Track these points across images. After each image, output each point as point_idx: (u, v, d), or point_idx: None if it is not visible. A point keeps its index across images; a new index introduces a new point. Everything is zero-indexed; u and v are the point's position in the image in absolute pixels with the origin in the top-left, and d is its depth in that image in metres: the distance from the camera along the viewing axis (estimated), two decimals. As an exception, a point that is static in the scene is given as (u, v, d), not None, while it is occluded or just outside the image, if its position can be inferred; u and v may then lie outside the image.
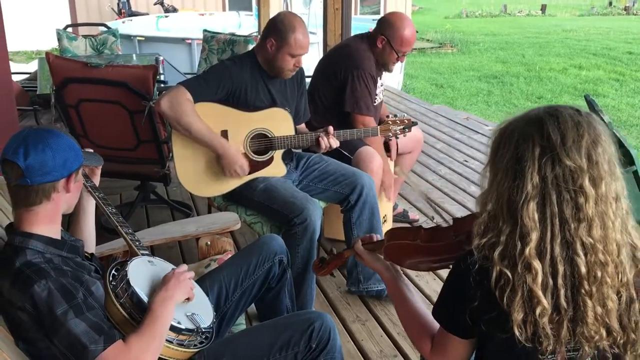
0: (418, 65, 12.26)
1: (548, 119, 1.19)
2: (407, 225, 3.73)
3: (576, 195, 1.15)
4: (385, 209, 3.44)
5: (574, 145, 1.15)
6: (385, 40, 3.13)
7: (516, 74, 11.30)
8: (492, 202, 1.23)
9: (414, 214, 3.85)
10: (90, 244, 1.92)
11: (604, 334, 1.18)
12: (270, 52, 2.64)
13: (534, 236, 1.16)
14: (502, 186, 1.21)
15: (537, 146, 1.17)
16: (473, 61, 12.67)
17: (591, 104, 2.76)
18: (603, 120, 3.37)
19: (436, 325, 1.38)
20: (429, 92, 9.98)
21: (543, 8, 21.95)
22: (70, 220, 1.92)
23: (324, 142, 2.71)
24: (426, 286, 3.04)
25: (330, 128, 2.74)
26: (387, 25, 3.15)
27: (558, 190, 1.16)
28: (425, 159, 4.96)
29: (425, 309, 1.48)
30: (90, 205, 1.92)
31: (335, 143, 2.74)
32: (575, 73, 11.38)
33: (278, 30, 2.61)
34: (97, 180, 1.95)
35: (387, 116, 2.89)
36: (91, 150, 1.97)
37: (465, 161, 5.01)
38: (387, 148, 3.35)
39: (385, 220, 3.46)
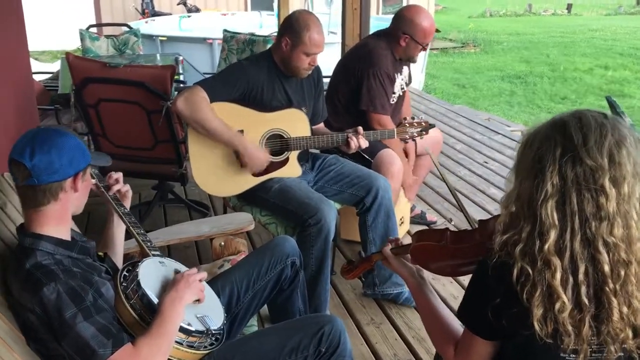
0: (440, 65, 12.16)
1: (571, 121, 1.20)
2: (425, 227, 3.69)
3: (597, 194, 1.16)
4: (403, 211, 3.42)
5: (595, 145, 1.16)
6: (408, 38, 3.12)
7: (540, 74, 11.15)
8: (514, 201, 1.25)
9: (431, 216, 3.81)
10: (119, 259, 1.92)
11: (630, 334, 1.19)
12: (285, 50, 2.63)
13: (553, 234, 1.17)
14: (524, 185, 1.23)
15: (558, 146, 1.19)
16: (496, 61, 12.53)
17: (612, 106, 2.71)
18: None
19: (460, 331, 1.39)
20: (450, 93, 9.90)
21: (569, 7, 21.61)
22: (89, 230, 1.92)
23: (354, 142, 2.68)
24: (442, 289, 3.00)
25: (360, 128, 2.71)
26: (406, 21, 3.13)
27: (578, 189, 1.17)
28: (445, 160, 4.91)
29: (450, 315, 1.49)
30: (121, 226, 1.92)
31: (364, 143, 2.72)
32: (601, 73, 11.20)
33: (293, 29, 2.60)
34: (128, 203, 1.93)
35: (405, 118, 2.86)
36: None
37: (485, 162, 4.95)
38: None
39: (402, 222, 3.43)
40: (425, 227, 3.65)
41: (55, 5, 11.66)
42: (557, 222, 1.17)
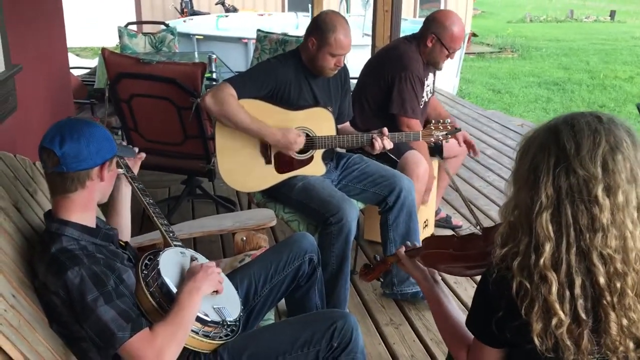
0: (476, 70, 12.04)
1: (564, 128, 1.18)
2: (450, 231, 3.68)
3: (590, 205, 1.13)
4: (427, 214, 3.41)
5: (588, 154, 1.14)
6: (435, 38, 3.11)
7: (579, 81, 10.94)
8: (511, 211, 1.24)
9: (457, 220, 3.79)
10: (125, 233, 1.98)
11: (631, 346, 1.16)
12: (312, 50, 2.66)
13: (548, 247, 1.15)
14: (521, 196, 1.21)
15: (552, 156, 1.16)
16: (534, 67, 12.35)
17: (643, 113, 2.64)
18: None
19: (471, 335, 1.39)
20: (485, 98, 9.79)
21: (612, 14, 21.14)
22: (107, 208, 1.99)
23: (378, 144, 2.69)
24: (464, 293, 2.99)
25: (385, 129, 2.72)
26: (436, 23, 3.13)
27: (572, 200, 1.14)
28: (474, 164, 4.88)
29: (462, 318, 1.49)
30: (126, 196, 1.98)
31: (389, 145, 2.72)
32: (642, 82, 10.95)
33: (319, 29, 2.62)
34: (136, 169, 2.01)
35: (431, 121, 2.86)
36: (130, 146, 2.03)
37: (516, 168, 4.88)
38: (436, 150, 3.33)
39: (426, 225, 3.42)
40: (451, 232, 3.64)
41: (97, 3, 11.95)
42: (552, 235, 1.15)
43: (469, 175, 4.66)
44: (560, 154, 1.16)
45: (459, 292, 3.01)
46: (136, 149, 2.04)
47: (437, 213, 3.68)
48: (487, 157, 5.14)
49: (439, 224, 3.71)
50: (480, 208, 4.09)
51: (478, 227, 3.77)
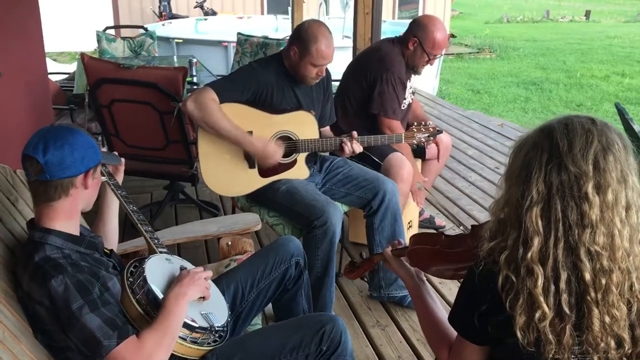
0: (455, 71, 12.13)
1: (558, 127, 1.20)
2: (434, 231, 3.70)
3: (580, 201, 1.15)
4: (411, 215, 3.43)
5: (580, 152, 1.16)
6: (417, 42, 3.12)
7: (556, 80, 11.08)
8: (502, 208, 1.25)
9: (440, 220, 3.82)
10: (112, 241, 1.96)
11: (613, 344, 1.18)
12: (294, 59, 2.66)
13: (536, 241, 1.17)
14: (511, 191, 1.23)
15: (544, 153, 1.19)
16: (512, 67, 12.48)
17: (621, 112, 2.70)
18: (633, 128, 3.30)
19: (454, 334, 1.39)
20: (464, 98, 9.87)
21: (587, 14, 21.44)
22: (95, 217, 1.97)
23: (348, 148, 2.71)
24: (448, 293, 3.01)
25: (354, 133, 2.73)
26: (420, 27, 3.14)
27: (562, 196, 1.16)
28: (456, 165, 4.91)
29: (445, 317, 1.50)
30: (114, 204, 1.96)
31: (358, 148, 2.73)
32: (617, 80, 11.10)
33: (301, 39, 2.62)
34: (120, 178, 2.00)
35: (413, 123, 2.88)
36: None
37: (497, 168, 4.94)
38: (418, 152, 3.35)
39: (410, 226, 3.44)
40: (433, 232, 3.66)
41: (74, 7, 11.82)
42: (541, 230, 1.17)
43: (451, 175, 4.70)
44: (553, 150, 1.18)
45: (444, 291, 3.03)
46: (115, 153, 2.02)
47: (420, 214, 3.70)
48: (469, 158, 5.18)
49: (423, 224, 3.73)
50: (462, 208, 4.12)
51: (461, 227, 3.80)
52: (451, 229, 3.76)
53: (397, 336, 2.70)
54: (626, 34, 16.89)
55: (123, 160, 2.01)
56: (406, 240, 2.89)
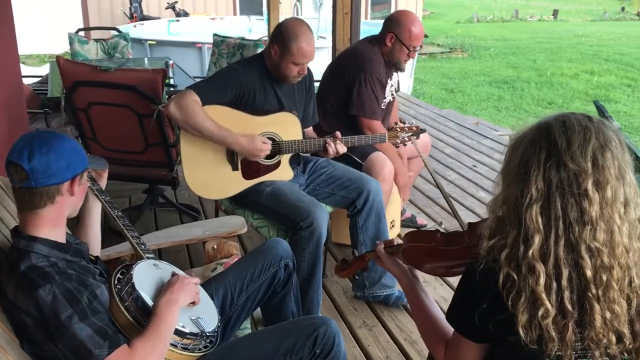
0: (428, 70, 12.23)
1: (556, 125, 1.20)
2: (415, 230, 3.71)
3: (580, 198, 1.16)
4: (393, 214, 3.43)
5: (579, 149, 1.17)
6: (394, 37, 3.13)
7: (527, 79, 11.23)
8: (500, 206, 1.25)
9: (421, 219, 3.83)
10: (95, 247, 1.92)
11: (614, 339, 1.19)
12: (275, 58, 2.64)
13: (537, 239, 1.17)
14: (510, 189, 1.23)
15: (543, 150, 1.19)
16: (484, 66, 12.62)
17: (600, 110, 2.74)
18: (613, 126, 3.36)
19: (451, 331, 1.39)
20: (439, 97, 9.95)
21: (555, 13, 21.81)
22: (76, 223, 1.92)
23: (332, 148, 2.70)
24: (433, 292, 3.02)
25: (338, 133, 2.73)
26: (394, 22, 3.16)
27: (562, 193, 1.17)
28: (434, 164, 4.94)
29: (441, 314, 1.50)
30: (96, 209, 1.92)
31: (342, 149, 2.73)
32: (587, 78, 11.31)
33: (282, 38, 2.60)
34: (103, 183, 1.96)
35: (396, 123, 2.88)
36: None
37: (474, 166, 4.99)
38: None
39: (393, 225, 3.45)
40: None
41: (42, 9, 11.60)
42: (541, 227, 1.17)
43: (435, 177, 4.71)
44: (551, 148, 1.18)
45: (428, 290, 3.02)
46: (102, 158, 1.98)
47: (402, 213, 3.71)
48: (447, 156, 5.22)
49: (405, 223, 3.74)
50: (443, 206, 4.15)
51: (442, 226, 3.82)
52: (433, 228, 3.78)
53: (385, 336, 2.70)
54: (593, 33, 17.22)
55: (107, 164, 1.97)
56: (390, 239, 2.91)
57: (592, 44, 15.31)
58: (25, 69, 9.16)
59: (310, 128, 3.01)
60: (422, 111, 6.92)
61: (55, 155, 1.50)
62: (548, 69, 12.01)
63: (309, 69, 2.82)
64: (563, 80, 11.12)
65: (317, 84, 3.20)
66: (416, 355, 2.56)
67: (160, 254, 3.11)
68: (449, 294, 3.00)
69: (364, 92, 3.10)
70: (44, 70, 7.67)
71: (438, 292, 3.02)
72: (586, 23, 20.68)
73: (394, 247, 1.65)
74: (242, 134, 2.61)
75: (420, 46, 3.23)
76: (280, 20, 2.88)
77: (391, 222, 3.40)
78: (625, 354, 1.21)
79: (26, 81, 5.32)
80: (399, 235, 3.60)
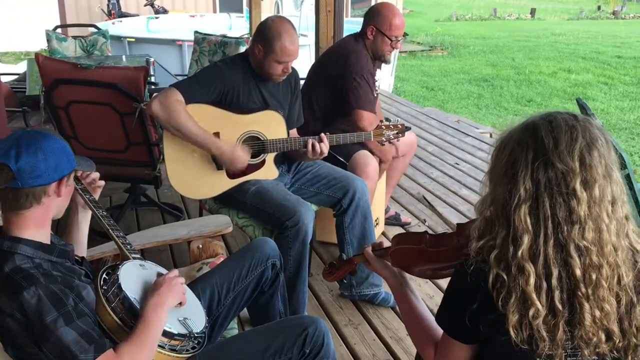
0: (409, 68, 12.28)
1: (542, 124, 1.21)
2: (399, 228, 3.72)
3: (569, 198, 1.16)
4: (378, 212, 3.44)
5: (566, 148, 1.17)
6: (374, 29, 3.13)
7: (506, 77, 11.33)
8: (488, 206, 1.25)
9: (405, 217, 3.84)
10: (83, 248, 1.89)
11: (603, 338, 1.19)
12: (258, 57, 2.62)
13: (526, 239, 1.17)
14: (498, 190, 1.23)
15: (530, 150, 1.19)
16: (463, 64, 12.70)
17: (583, 107, 2.77)
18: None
19: (440, 332, 1.39)
20: (419, 95, 9.99)
21: (532, 12, 22.03)
22: (60, 227, 1.89)
23: (317, 147, 2.65)
24: (418, 289, 3.00)
25: (323, 135, 2.69)
26: (374, 14, 3.17)
27: (550, 193, 1.17)
28: (417, 161, 4.96)
29: (430, 316, 1.49)
30: (85, 220, 1.89)
31: (325, 150, 2.69)
32: (564, 77, 11.44)
33: (265, 36, 2.58)
34: (97, 194, 1.91)
35: (381, 121, 2.88)
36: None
37: (457, 164, 5.01)
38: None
39: (377, 223, 3.45)
40: (401, 229, 3.68)
41: (17, 6, 11.40)
42: (530, 227, 1.17)
43: (412, 172, 4.74)
44: (538, 148, 1.18)
45: (413, 287, 3.04)
46: (89, 159, 1.94)
47: (386, 211, 3.72)
48: (429, 154, 5.24)
49: (389, 221, 3.75)
50: (427, 204, 4.16)
51: (426, 223, 3.84)
52: (417, 226, 3.79)
53: (371, 334, 2.70)
54: (570, 31, 17.42)
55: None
56: (375, 237, 2.90)
57: (569, 43, 15.50)
58: (1, 67, 9.02)
59: (295, 130, 2.99)
60: (403, 109, 6.94)
61: (43, 155, 1.46)
62: (526, 67, 12.13)
63: (294, 70, 2.80)
64: (541, 78, 11.24)
65: (301, 82, 3.18)
66: (402, 352, 2.56)
67: (143, 254, 3.05)
68: (435, 292, 3.02)
69: (359, 87, 3.10)
70: (21, 67, 7.54)
71: (424, 290, 3.03)
72: (563, 22, 20.93)
73: (382, 249, 1.64)
74: (224, 139, 2.58)
75: (404, 35, 3.23)
76: (262, 18, 2.85)
77: (375, 220, 3.40)
78: (615, 352, 1.22)
79: (3, 79, 5.23)
80: (383, 233, 3.60)
